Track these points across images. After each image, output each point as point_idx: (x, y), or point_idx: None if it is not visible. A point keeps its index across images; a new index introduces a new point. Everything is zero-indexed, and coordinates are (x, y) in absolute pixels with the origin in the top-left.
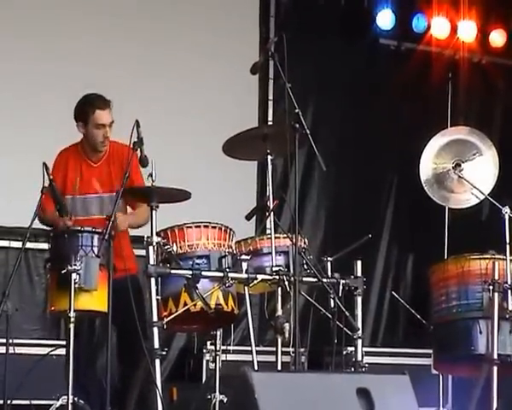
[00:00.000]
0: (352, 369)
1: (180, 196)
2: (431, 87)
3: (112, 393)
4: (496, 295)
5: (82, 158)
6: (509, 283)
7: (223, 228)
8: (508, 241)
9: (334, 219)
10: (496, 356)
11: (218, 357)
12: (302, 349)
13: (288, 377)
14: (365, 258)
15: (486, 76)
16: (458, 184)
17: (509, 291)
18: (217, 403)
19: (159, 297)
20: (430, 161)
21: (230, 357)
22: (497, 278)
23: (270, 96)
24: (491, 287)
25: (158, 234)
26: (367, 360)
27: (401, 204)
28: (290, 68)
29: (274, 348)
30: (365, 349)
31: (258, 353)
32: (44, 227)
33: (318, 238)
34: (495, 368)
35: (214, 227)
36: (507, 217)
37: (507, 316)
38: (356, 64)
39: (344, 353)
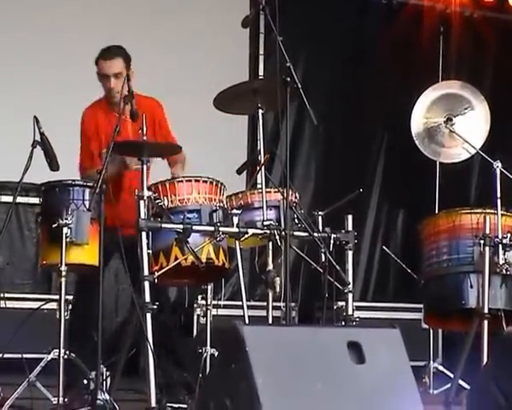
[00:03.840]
0: (343, 323)
1: (171, 150)
2: (422, 41)
3: (106, 347)
4: (487, 249)
5: (110, 111)
6: (499, 237)
7: (214, 182)
8: (499, 195)
9: (324, 174)
10: (486, 310)
11: (209, 311)
12: (293, 304)
13: (278, 331)
14: (356, 213)
15: (478, 30)
16: (449, 139)
17: (500, 245)
18: (208, 357)
19: (150, 251)
20: (421, 116)
21: (221, 312)
22: (488, 232)
23: (261, 51)
24: (482, 241)
25: (149, 188)
26: (357, 314)
27: (392, 159)
28: (280, 24)
29: (265, 303)
30: (356, 304)
31: (249, 307)
32: (35, 181)
33: (309, 193)
34: (485, 322)
35: (205, 181)
36: (498, 171)
37: (497, 270)
38: (347, 19)
39: (335, 307)
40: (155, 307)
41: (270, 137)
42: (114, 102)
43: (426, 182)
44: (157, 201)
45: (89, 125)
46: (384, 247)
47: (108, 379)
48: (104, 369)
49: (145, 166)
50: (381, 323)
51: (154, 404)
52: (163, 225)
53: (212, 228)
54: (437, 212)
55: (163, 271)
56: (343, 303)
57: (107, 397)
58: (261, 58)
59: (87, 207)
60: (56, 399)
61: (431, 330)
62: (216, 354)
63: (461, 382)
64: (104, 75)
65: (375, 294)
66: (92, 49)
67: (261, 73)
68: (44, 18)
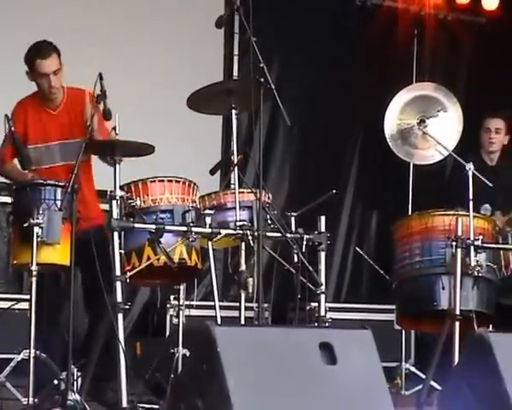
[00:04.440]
0: (316, 324)
1: (144, 149)
2: (397, 43)
3: (76, 347)
4: (459, 251)
5: (41, 107)
6: (471, 239)
7: (187, 182)
8: (471, 197)
9: (298, 175)
10: (458, 312)
11: (181, 312)
12: (266, 305)
13: (250, 332)
14: (330, 214)
15: (452, 32)
16: (422, 140)
17: (472, 247)
18: (180, 357)
19: (122, 251)
20: (395, 117)
21: (195, 312)
22: (460, 234)
23: (236, 51)
24: (454, 243)
25: (121, 188)
26: (331, 315)
27: (366, 160)
28: (255, 24)
29: (238, 304)
30: (329, 305)
31: (222, 308)
32: (6, 181)
33: (283, 194)
34: (457, 324)
35: (178, 181)
36: (470, 173)
37: (469, 272)
38: (322, 20)
39: (307, 308)
40: (127, 307)
41: (244, 137)
42: (54, 98)
43: (399, 183)
44: (130, 201)
45: (18, 120)
46: (357, 248)
47: (79, 380)
48: (75, 369)
49: (117, 166)
50: (354, 324)
51: (125, 405)
52: (135, 225)
53: (184, 228)
54: (410, 213)
55: (135, 271)
56: (316, 304)
57: (78, 398)
58: (235, 58)
59: (58, 206)
60: (26, 399)
61: (403, 332)
62: (188, 354)
63: (433, 383)
64: (43, 74)
65: (348, 295)
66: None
67: (235, 73)
68: None
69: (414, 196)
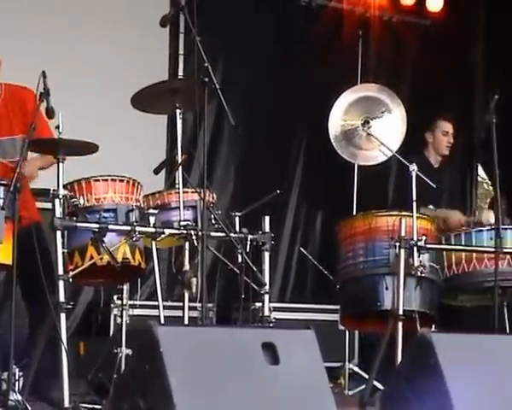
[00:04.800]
0: (259, 324)
1: (87, 148)
2: (342, 44)
3: (18, 348)
4: (402, 251)
5: None
6: (415, 239)
7: (130, 181)
8: (414, 198)
9: (244, 175)
10: (401, 312)
11: (124, 311)
12: (210, 305)
13: (193, 332)
14: (275, 214)
15: (397, 34)
16: (367, 141)
17: (415, 248)
18: (123, 357)
19: (65, 250)
20: (339, 118)
21: (139, 312)
22: (403, 234)
23: (181, 51)
24: (397, 243)
25: (64, 187)
26: (275, 315)
27: (311, 161)
28: (200, 24)
29: (182, 303)
30: (274, 305)
31: (166, 308)
32: None
33: (228, 194)
34: (400, 324)
35: (122, 181)
36: (414, 174)
37: (412, 272)
38: (267, 20)
39: (252, 308)
40: (70, 306)
41: (189, 137)
42: None
43: (344, 184)
44: (73, 200)
45: None
46: (301, 248)
47: (21, 380)
48: (17, 370)
49: (61, 165)
50: (299, 324)
51: (67, 404)
52: (78, 225)
53: (128, 228)
54: (355, 214)
55: (78, 270)
56: (260, 304)
57: (20, 398)
58: (181, 58)
59: (1, 205)
60: None
61: (347, 332)
62: (131, 354)
63: (376, 383)
64: None
65: (292, 295)
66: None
67: (181, 72)
68: None
69: (358, 197)
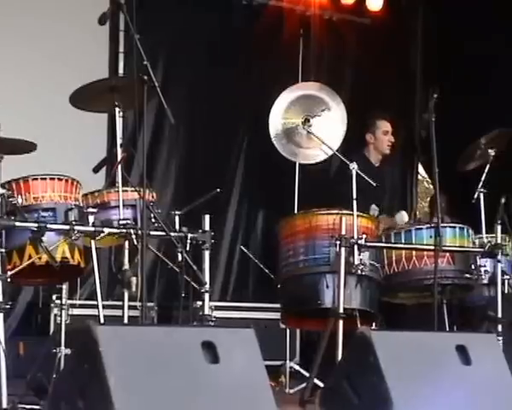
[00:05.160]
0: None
1: (25, 147)
2: (283, 43)
3: None
4: (343, 250)
5: None
6: (355, 238)
7: (69, 180)
8: (355, 196)
9: (185, 174)
10: (342, 310)
11: (63, 311)
12: (151, 304)
13: (133, 331)
14: (216, 213)
15: (337, 33)
16: (307, 140)
17: (356, 246)
18: (62, 357)
19: (3, 250)
20: (279, 116)
21: (80, 311)
22: (344, 233)
23: (121, 49)
24: (338, 242)
25: (2, 186)
26: (217, 314)
27: (252, 159)
28: (141, 22)
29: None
30: (215, 304)
31: (107, 307)
32: None
33: (169, 193)
34: (341, 322)
35: (60, 179)
36: (354, 173)
37: (353, 271)
38: (208, 19)
39: (193, 307)
40: (8, 306)
41: (129, 135)
42: None
43: (286, 182)
44: (11, 199)
45: None
46: (242, 247)
47: None
48: None
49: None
50: (240, 323)
51: (5, 405)
52: (17, 224)
53: (67, 227)
54: (296, 212)
55: (16, 270)
56: (201, 303)
57: None
58: (121, 56)
59: None
60: None
61: (288, 330)
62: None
63: (316, 381)
64: None
65: (234, 294)
66: None
67: (121, 71)
68: None
69: (300, 195)
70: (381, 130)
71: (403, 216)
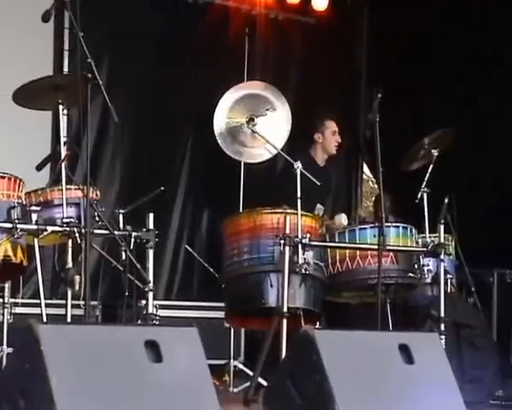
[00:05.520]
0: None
1: None
2: (228, 42)
3: None
4: (287, 249)
5: None
6: (299, 237)
7: (12, 178)
8: (299, 195)
9: (130, 173)
10: (285, 309)
11: (6, 310)
12: (95, 302)
13: (76, 330)
14: (161, 212)
15: (283, 32)
16: (252, 139)
17: (300, 245)
18: (4, 356)
19: None
20: (224, 116)
21: (23, 310)
22: (288, 232)
23: (66, 46)
24: (282, 241)
25: None
26: (162, 313)
27: (197, 158)
28: (86, 20)
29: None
30: (160, 303)
31: (50, 306)
32: None
33: (114, 191)
34: (285, 321)
35: (3, 177)
36: (298, 172)
37: (297, 270)
38: (154, 17)
39: (137, 305)
40: None
41: (74, 134)
42: None
43: (231, 181)
44: None
45: None
46: (187, 246)
47: None
48: None
49: None
50: (185, 322)
51: None
52: None
53: (9, 225)
54: (240, 211)
55: None
56: (145, 302)
57: None
58: (66, 54)
59: None
60: None
61: (232, 329)
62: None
63: (261, 380)
64: None
65: (179, 292)
66: None
67: (66, 68)
68: None
69: (245, 195)
70: (330, 130)
71: (341, 218)
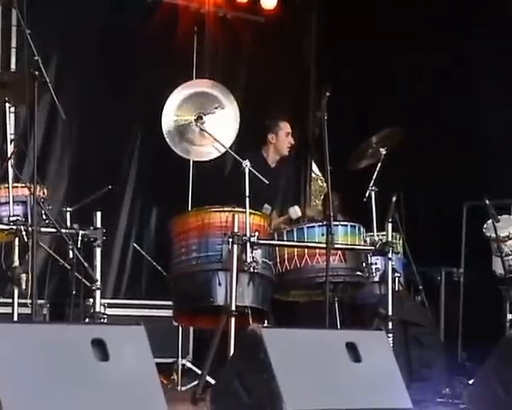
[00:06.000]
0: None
1: None
2: (177, 41)
3: None
4: (235, 247)
5: None
6: (248, 235)
7: None
8: (248, 194)
9: (78, 171)
10: (234, 308)
11: None
12: (42, 301)
13: (21, 329)
14: (109, 210)
15: (232, 31)
16: (200, 137)
17: (248, 244)
18: None
19: None
20: (172, 114)
21: None
22: (236, 230)
23: (13, 44)
24: (230, 239)
25: None
26: (110, 312)
27: (146, 156)
28: (33, 17)
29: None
30: (108, 301)
31: None
32: None
33: (62, 190)
34: (233, 319)
35: None
36: (247, 170)
37: (245, 268)
38: (103, 15)
39: (85, 304)
40: None
41: (22, 131)
42: None
43: (180, 179)
44: None
45: None
46: (135, 244)
47: None
48: None
49: None
50: (133, 320)
51: None
52: None
53: None
54: (189, 209)
55: None
56: (92, 300)
57: None
58: (13, 51)
59: None
60: None
61: (181, 328)
62: None
63: (209, 378)
64: None
65: (127, 291)
66: None
67: (13, 66)
68: None
69: (194, 193)
70: (284, 131)
71: (296, 211)
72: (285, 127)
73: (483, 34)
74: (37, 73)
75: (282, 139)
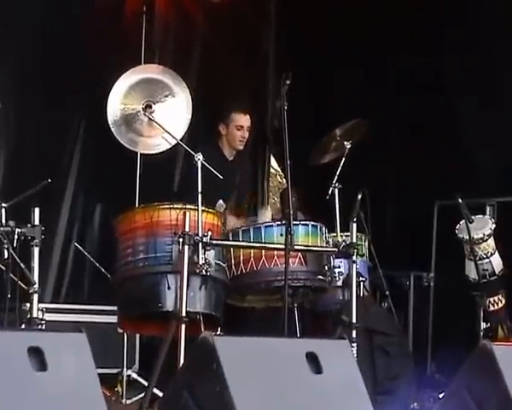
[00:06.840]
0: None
1: None
2: (124, 22)
3: None
4: (186, 248)
5: None
6: (200, 235)
7: None
8: (200, 190)
9: (14, 163)
10: (184, 313)
11: None
12: None
13: None
14: (48, 206)
15: (184, 12)
16: (148, 127)
17: (200, 244)
18: None
19: None
20: (118, 102)
21: None
22: (187, 229)
23: None
24: (181, 239)
25: None
26: (48, 317)
27: (89, 149)
28: None
29: None
30: (46, 306)
31: None
32: None
33: None
34: (183, 326)
35: None
36: (199, 164)
37: (197, 271)
38: None
39: (21, 309)
40: None
41: None
42: None
43: (127, 174)
44: None
45: None
46: (77, 243)
47: None
48: None
49: None
50: (74, 326)
51: None
52: None
53: None
54: (136, 206)
55: None
56: (29, 305)
57: None
58: None
59: None
60: None
61: (126, 335)
62: None
63: (156, 390)
64: None
65: (68, 295)
66: None
67: None
68: None
69: (142, 188)
70: (235, 124)
71: (267, 213)
72: (237, 120)
73: (452, 31)
74: None
75: (233, 132)
